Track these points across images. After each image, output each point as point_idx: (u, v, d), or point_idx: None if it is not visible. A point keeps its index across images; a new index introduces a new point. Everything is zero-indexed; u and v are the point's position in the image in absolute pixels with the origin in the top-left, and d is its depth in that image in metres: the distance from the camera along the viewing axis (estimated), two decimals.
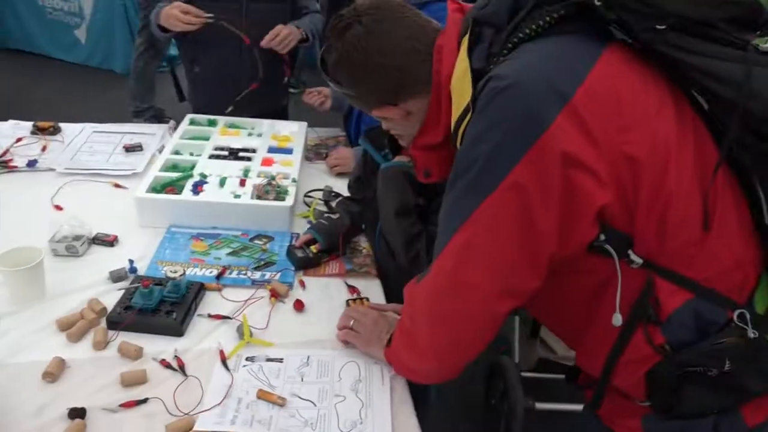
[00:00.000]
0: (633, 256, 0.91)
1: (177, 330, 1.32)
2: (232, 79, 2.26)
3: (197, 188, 1.72)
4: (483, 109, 0.91)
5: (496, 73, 0.91)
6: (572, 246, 0.92)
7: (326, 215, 1.71)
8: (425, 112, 1.09)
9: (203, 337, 1.33)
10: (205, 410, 1.14)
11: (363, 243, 1.70)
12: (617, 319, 0.93)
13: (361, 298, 1.47)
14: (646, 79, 0.93)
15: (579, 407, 2.20)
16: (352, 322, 1.32)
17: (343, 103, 2.21)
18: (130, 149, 2.10)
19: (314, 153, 2.21)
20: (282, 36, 2.15)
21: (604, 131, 0.87)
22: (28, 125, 2.23)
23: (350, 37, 1.07)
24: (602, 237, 0.91)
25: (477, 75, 0.96)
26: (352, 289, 1.51)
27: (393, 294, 1.49)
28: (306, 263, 1.56)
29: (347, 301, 1.46)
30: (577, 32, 0.93)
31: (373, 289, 1.53)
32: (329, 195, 1.85)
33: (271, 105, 2.41)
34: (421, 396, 1.31)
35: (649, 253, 0.91)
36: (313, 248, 1.58)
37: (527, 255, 0.92)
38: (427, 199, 1.46)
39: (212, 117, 2.19)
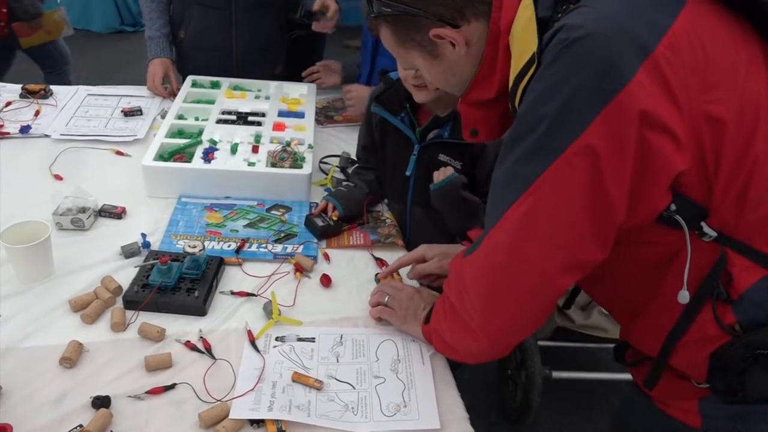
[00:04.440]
0: (706, 228, 0.84)
1: (200, 309, 1.24)
2: (219, 49, 2.13)
3: (208, 155, 1.62)
4: (551, 62, 0.82)
5: (567, 23, 0.82)
6: (641, 216, 0.85)
7: (344, 183, 1.63)
8: (482, 50, 0.95)
9: (228, 317, 1.25)
10: (239, 396, 1.07)
11: (386, 212, 1.62)
12: (684, 297, 0.87)
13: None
14: (734, 33, 0.84)
15: (595, 375, 2.21)
16: (386, 298, 1.25)
17: (353, 73, 2.07)
18: (129, 113, 1.97)
19: (324, 116, 2.11)
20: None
21: (687, 89, 0.79)
22: (16, 88, 2.09)
23: None
24: (673, 207, 0.84)
25: (542, 25, 0.86)
26: (380, 262, 1.43)
27: None
28: (328, 232, 1.48)
29: (376, 275, 1.38)
30: None
31: None
32: (346, 161, 1.76)
33: (265, 72, 2.25)
34: None
35: (724, 225, 0.84)
36: (333, 216, 1.50)
37: (595, 225, 0.84)
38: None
39: (215, 78, 2.06)
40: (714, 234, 0.84)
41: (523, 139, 0.85)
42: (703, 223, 0.85)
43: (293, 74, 2.23)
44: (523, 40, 0.87)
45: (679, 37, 0.80)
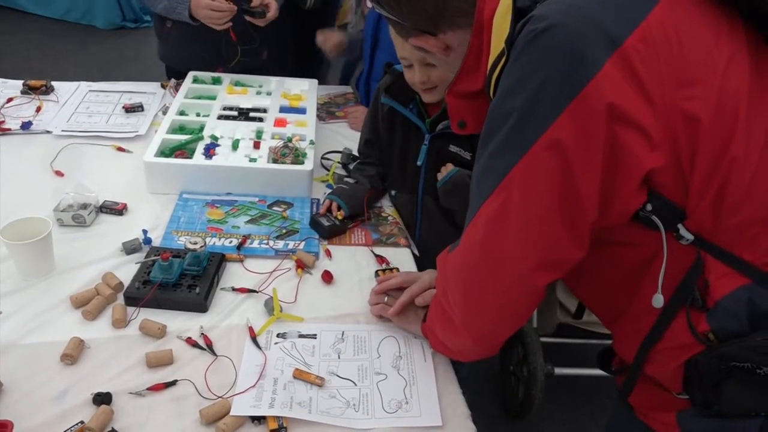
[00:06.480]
0: (683, 231, 0.81)
1: (201, 305, 1.24)
2: (205, 38, 2.11)
3: (209, 152, 1.61)
4: (518, 56, 0.80)
5: (535, 14, 0.80)
6: (615, 214, 0.82)
7: (345, 179, 1.63)
8: (466, 50, 0.95)
9: (229, 313, 1.25)
10: (240, 393, 1.07)
11: (387, 209, 1.62)
12: (658, 300, 0.84)
13: (391, 269, 1.39)
14: (718, 27, 0.81)
15: (598, 372, 2.20)
16: (386, 297, 1.24)
17: (356, 47, 2.09)
18: (130, 109, 1.97)
19: (326, 112, 2.10)
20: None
21: (661, 84, 0.76)
22: (18, 84, 2.09)
23: None
24: (649, 207, 0.81)
25: (521, 15, 0.83)
26: (380, 259, 1.43)
27: None
28: (334, 232, 1.48)
29: (376, 272, 1.38)
30: None
31: (402, 258, 1.45)
32: (348, 158, 1.75)
33: (252, 61, 2.23)
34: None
35: (701, 228, 0.81)
36: (339, 215, 1.49)
37: (567, 222, 0.82)
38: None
39: (216, 74, 2.06)
40: (691, 237, 0.81)
41: (494, 134, 0.84)
42: (680, 225, 0.81)
43: (301, 65, 2.20)
44: (500, 29, 0.85)
45: (653, 29, 0.77)
